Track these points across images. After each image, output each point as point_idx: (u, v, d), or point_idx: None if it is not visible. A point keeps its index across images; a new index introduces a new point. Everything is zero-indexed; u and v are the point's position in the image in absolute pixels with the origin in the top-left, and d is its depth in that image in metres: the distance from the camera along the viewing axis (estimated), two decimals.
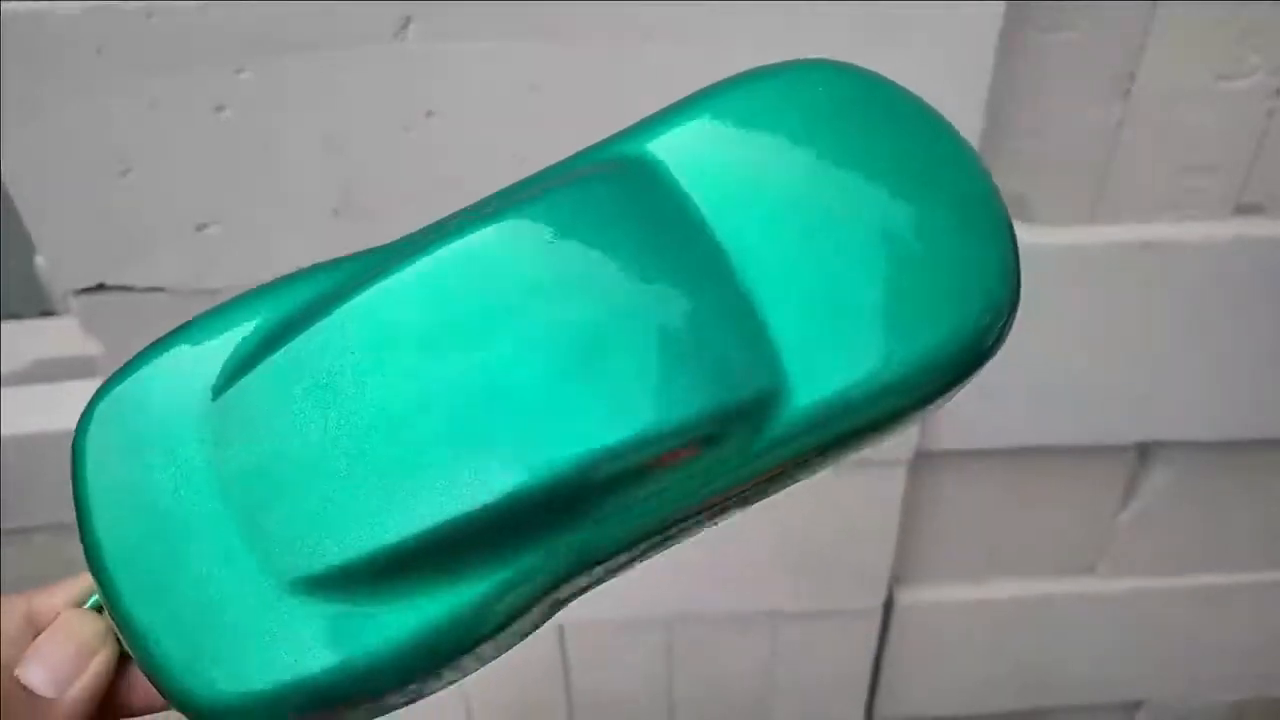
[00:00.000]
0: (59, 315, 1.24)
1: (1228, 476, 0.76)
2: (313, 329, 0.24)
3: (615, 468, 0.23)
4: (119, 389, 0.25)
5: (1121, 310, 0.65)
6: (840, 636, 0.83)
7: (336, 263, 0.26)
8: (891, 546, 0.76)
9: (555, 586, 0.24)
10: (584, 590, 0.25)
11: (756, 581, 0.78)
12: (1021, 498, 0.77)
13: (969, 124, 0.55)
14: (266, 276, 0.57)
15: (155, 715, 0.27)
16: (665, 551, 0.26)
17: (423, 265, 0.24)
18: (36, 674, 0.24)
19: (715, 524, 0.26)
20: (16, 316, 1.25)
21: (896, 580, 0.82)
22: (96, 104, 0.51)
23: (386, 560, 0.23)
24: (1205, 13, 0.54)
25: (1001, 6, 0.51)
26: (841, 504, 0.72)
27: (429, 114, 0.53)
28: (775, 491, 0.26)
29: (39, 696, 0.24)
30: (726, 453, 0.24)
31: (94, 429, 0.25)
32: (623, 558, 0.25)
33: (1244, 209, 0.62)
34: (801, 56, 0.28)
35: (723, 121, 0.26)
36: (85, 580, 0.26)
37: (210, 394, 0.24)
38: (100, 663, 0.25)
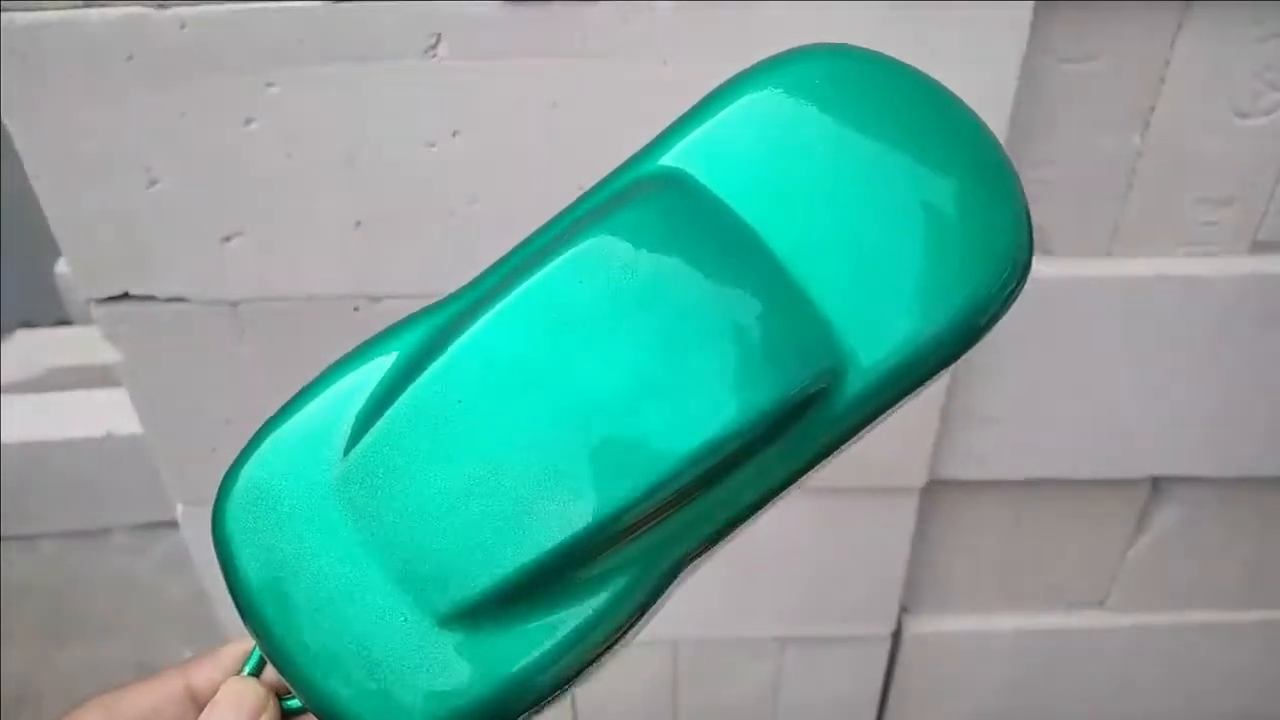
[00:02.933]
0: (75, 324, 1.25)
1: (1240, 513, 0.76)
2: (423, 378, 0.26)
3: (716, 459, 0.25)
4: (252, 463, 0.27)
5: (1136, 344, 0.65)
6: (848, 664, 0.82)
7: (430, 310, 0.28)
8: (901, 575, 0.76)
9: (676, 573, 0.27)
10: (696, 565, 0.27)
11: (764, 606, 0.78)
12: (1032, 530, 0.77)
13: None
14: (290, 289, 0.58)
15: None
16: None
17: (507, 307, 0.26)
18: None
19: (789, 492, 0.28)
20: (33, 325, 1.26)
21: (905, 609, 0.81)
22: (125, 112, 0.51)
23: (528, 579, 0.25)
24: (1225, 47, 0.55)
25: (1024, 35, 0.51)
26: (852, 532, 0.72)
27: (454, 133, 0.53)
28: (835, 457, 0.28)
29: None
30: (805, 431, 0.26)
31: (235, 504, 0.27)
32: (729, 530, 0.27)
33: (1260, 246, 0.62)
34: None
35: (740, 119, 0.28)
36: (236, 648, 0.29)
37: (339, 455, 0.26)
38: None
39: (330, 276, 0.58)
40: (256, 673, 0.28)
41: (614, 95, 0.52)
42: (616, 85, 0.52)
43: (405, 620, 0.25)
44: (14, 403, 1.14)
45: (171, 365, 0.61)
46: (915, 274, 0.26)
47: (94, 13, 0.49)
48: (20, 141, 0.52)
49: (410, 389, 0.26)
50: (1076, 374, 0.66)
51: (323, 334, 0.60)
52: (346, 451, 0.26)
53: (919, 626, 0.82)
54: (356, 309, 0.59)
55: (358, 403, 0.27)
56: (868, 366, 0.26)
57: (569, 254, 0.26)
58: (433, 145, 0.54)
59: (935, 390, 0.64)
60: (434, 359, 0.26)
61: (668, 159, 0.28)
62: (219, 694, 0.27)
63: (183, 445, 0.65)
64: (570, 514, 0.25)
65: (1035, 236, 0.61)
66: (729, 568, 0.74)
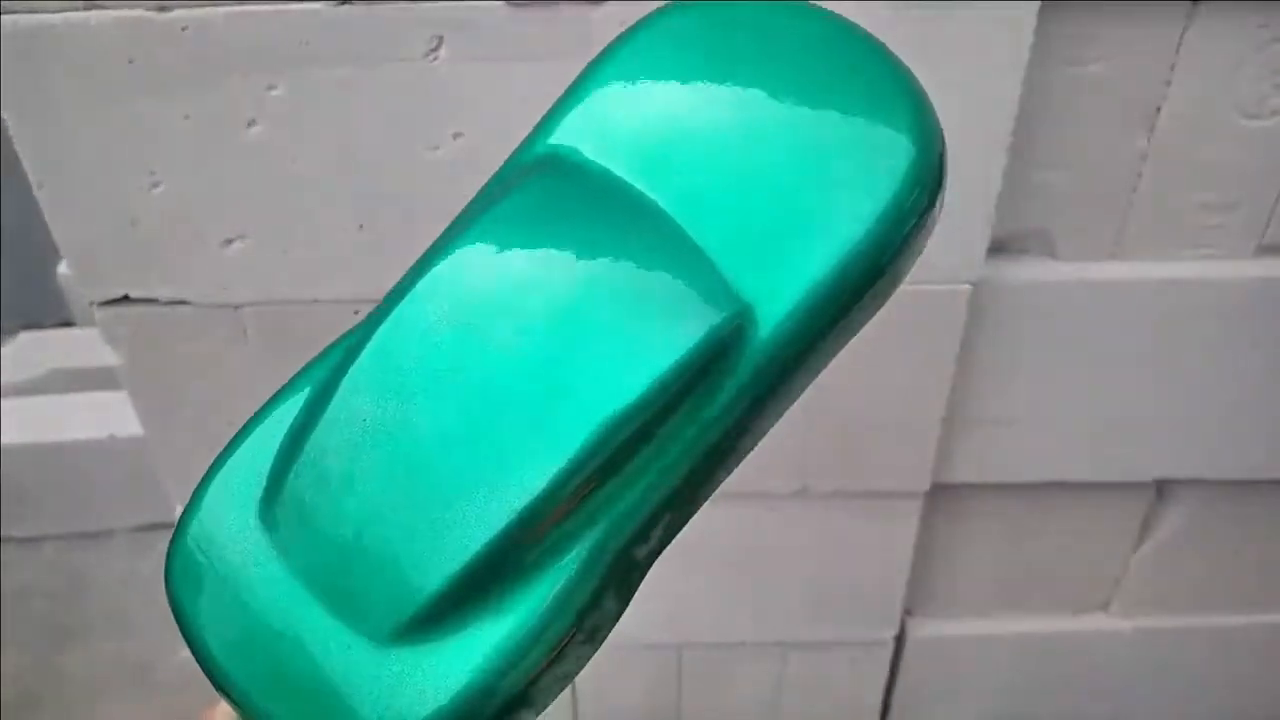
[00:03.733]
0: (77, 326, 1.25)
1: (1245, 516, 0.75)
2: (330, 405, 0.26)
3: (629, 426, 0.24)
4: (193, 524, 0.27)
5: (1141, 347, 0.65)
6: (851, 668, 0.82)
7: (346, 335, 0.28)
8: (904, 579, 0.75)
9: (622, 560, 0.26)
10: (652, 556, 0.27)
11: (767, 610, 0.77)
12: (1036, 533, 0.77)
13: (993, 156, 0.55)
14: (291, 292, 0.58)
15: None
16: (681, 567, 0.27)
17: (396, 316, 0.26)
18: None
19: (757, 440, 0.27)
20: (35, 326, 1.26)
21: (909, 613, 0.81)
22: (128, 115, 0.51)
23: (466, 582, 0.24)
24: (1231, 49, 0.55)
25: (1028, 38, 0.51)
26: (856, 536, 0.72)
27: (457, 135, 0.53)
28: (776, 418, 0.27)
29: None
30: (723, 388, 0.25)
31: (181, 566, 0.27)
32: (675, 509, 0.26)
33: (1266, 249, 0.62)
34: None
35: (611, 88, 0.27)
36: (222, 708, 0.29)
37: (259, 505, 0.26)
38: None
39: (332, 280, 0.58)
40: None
41: None
42: None
43: (349, 648, 0.25)
44: (16, 404, 1.14)
45: (172, 368, 0.61)
46: (807, 209, 0.25)
47: (95, 16, 0.49)
48: (21, 144, 0.52)
49: (319, 418, 0.26)
50: (1081, 377, 0.66)
51: (324, 338, 0.59)
52: (270, 491, 0.26)
53: (922, 630, 0.82)
54: (357, 312, 0.59)
55: (276, 442, 0.26)
56: (774, 309, 0.25)
57: (453, 251, 0.26)
58: (435, 148, 0.53)
59: (937, 395, 0.63)
60: (338, 382, 0.26)
61: (551, 138, 0.28)
62: None
63: (183, 448, 0.64)
64: (490, 512, 0.24)
65: (1041, 239, 0.62)
66: (732, 573, 0.74)
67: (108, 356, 0.62)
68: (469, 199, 0.56)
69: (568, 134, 0.27)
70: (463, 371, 0.25)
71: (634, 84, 0.27)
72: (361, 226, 0.56)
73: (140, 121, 0.51)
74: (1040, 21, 0.51)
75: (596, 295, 0.25)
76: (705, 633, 0.78)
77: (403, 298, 0.26)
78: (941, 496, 0.72)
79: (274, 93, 0.51)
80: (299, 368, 0.28)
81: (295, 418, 0.26)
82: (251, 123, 0.52)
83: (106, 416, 1.10)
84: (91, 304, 0.58)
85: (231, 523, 0.26)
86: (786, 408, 0.27)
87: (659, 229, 0.26)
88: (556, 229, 0.26)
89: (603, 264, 0.25)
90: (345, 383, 0.25)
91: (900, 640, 0.81)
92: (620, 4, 0.50)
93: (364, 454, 0.25)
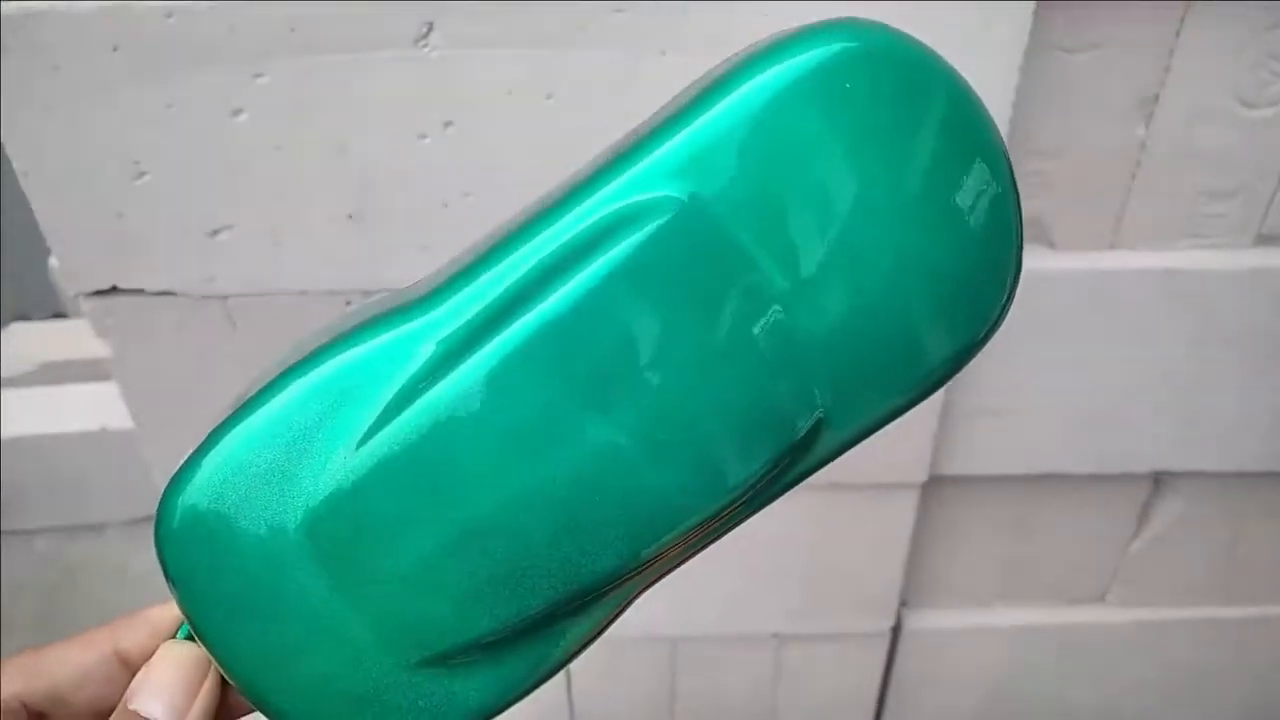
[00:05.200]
0: (70, 318, 1.24)
1: (1242, 508, 0.75)
2: (404, 424, 0.24)
3: (693, 528, 0.25)
4: (200, 497, 0.25)
5: (1139, 338, 0.65)
6: (847, 660, 0.82)
7: (398, 315, 0.25)
8: (901, 570, 0.75)
9: (620, 611, 0.27)
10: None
11: (762, 602, 0.77)
12: (1033, 525, 0.76)
13: None
14: (280, 283, 0.57)
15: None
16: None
17: (507, 350, 0.24)
18: (154, 706, 0.26)
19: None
20: (27, 318, 1.25)
21: (905, 604, 0.81)
22: (112, 104, 0.51)
23: (510, 633, 0.25)
24: (1230, 36, 0.54)
25: (1026, 24, 0.51)
26: (852, 527, 0.72)
27: (446, 124, 0.52)
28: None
29: None
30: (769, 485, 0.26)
31: (181, 540, 0.25)
32: (686, 560, 0.27)
33: (1265, 239, 0.62)
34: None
35: (742, 120, 0.25)
36: (164, 610, 0.28)
37: (308, 494, 0.24)
38: (208, 690, 0.26)
39: (322, 271, 0.57)
40: (192, 637, 0.26)
41: (610, 86, 0.52)
42: (612, 76, 0.51)
43: (375, 664, 0.25)
44: (8, 397, 1.13)
45: (162, 360, 0.61)
46: (900, 330, 0.25)
47: (78, 4, 0.48)
48: (6, 134, 0.51)
49: (394, 426, 0.24)
50: (1078, 368, 0.65)
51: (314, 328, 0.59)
52: (321, 481, 0.24)
53: (919, 622, 0.81)
54: (348, 303, 0.58)
55: (332, 423, 0.24)
56: (841, 425, 0.26)
57: (570, 297, 0.24)
58: (425, 137, 0.53)
59: None
60: (421, 397, 0.24)
61: (665, 173, 0.25)
62: (156, 656, 0.26)
63: (174, 440, 0.64)
64: (553, 581, 0.25)
65: (1038, 229, 0.61)
66: (728, 564, 0.74)
67: (100, 348, 0.62)
68: (461, 189, 0.55)
69: (695, 174, 0.24)
70: (554, 431, 0.24)
71: (779, 133, 0.24)
72: (350, 216, 0.55)
73: (125, 111, 0.51)
74: (1037, 9, 0.51)
75: (698, 386, 0.25)
76: (700, 625, 0.78)
77: (516, 331, 0.24)
78: (938, 488, 0.72)
79: (261, 81, 0.50)
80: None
81: (341, 411, 0.24)
82: (238, 111, 0.51)
83: (99, 409, 1.10)
84: (78, 295, 0.58)
85: (261, 503, 0.24)
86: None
87: (763, 314, 0.25)
88: (672, 297, 0.24)
89: (709, 351, 0.25)
90: (429, 403, 0.24)
91: (896, 631, 0.81)
92: None
93: (442, 481, 0.24)
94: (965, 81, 0.26)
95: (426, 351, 0.24)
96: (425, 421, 0.24)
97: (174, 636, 0.27)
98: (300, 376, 0.25)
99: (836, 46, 0.25)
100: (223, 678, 0.26)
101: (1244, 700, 0.89)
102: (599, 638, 0.27)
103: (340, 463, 0.24)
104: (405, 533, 0.24)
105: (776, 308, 0.25)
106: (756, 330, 0.25)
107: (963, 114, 0.26)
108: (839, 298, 0.25)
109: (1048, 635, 0.82)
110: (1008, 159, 0.26)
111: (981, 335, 0.26)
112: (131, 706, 0.26)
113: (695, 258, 0.24)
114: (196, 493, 0.25)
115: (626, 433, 0.24)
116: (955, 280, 0.25)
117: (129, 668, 0.27)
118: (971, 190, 0.25)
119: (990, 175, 0.25)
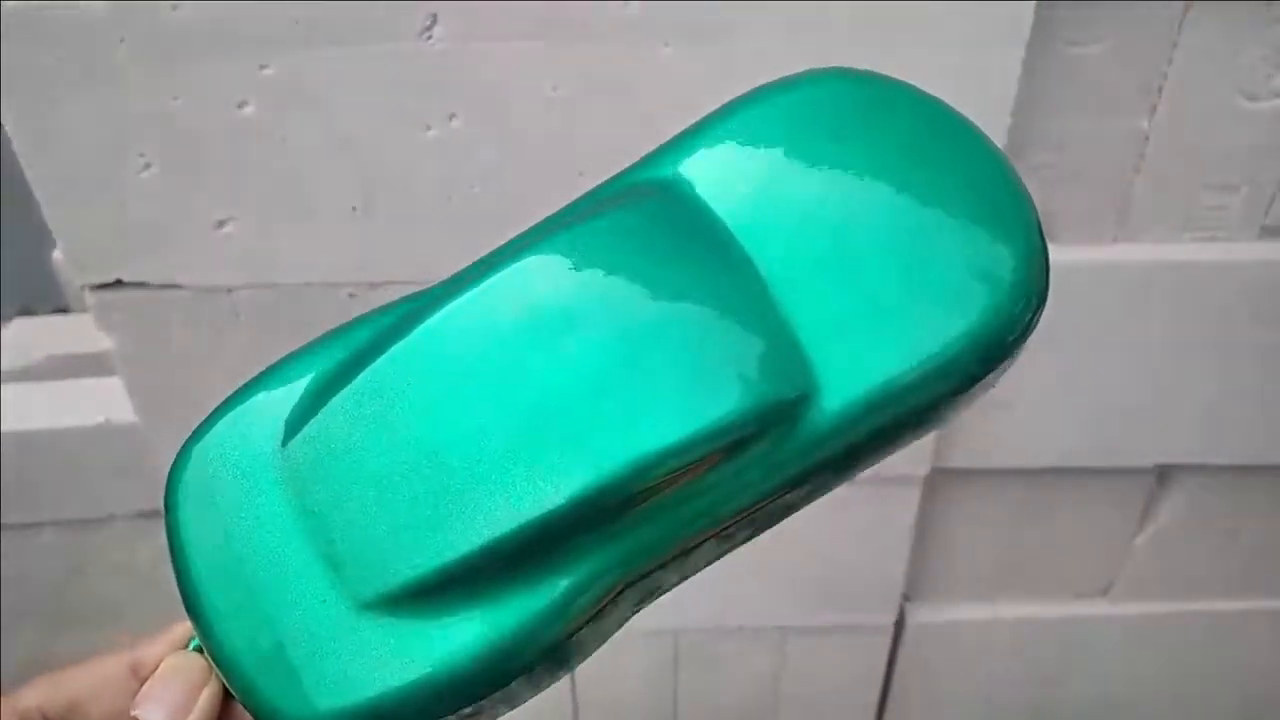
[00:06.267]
0: (73, 312, 1.25)
1: (1246, 501, 0.75)
2: (370, 369, 0.26)
3: (664, 469, 0.24)
4: (201, 444, 0.27)
5: (1143, 331, 0.64)
6: (850, 653, 0.82)
7: (389, 307, 0.28)
8: (904, 564, 0.75)
9: (610, 594, 0.25)
10: (641, 602, 0.27)
11: (766, 596, 0.77)
12: (1036, 518, 0.76)
13: (993, 138, 0.54)
14: (284, 275, 0.57)
15: None
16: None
17: (470, 296, 0.26)
18: (153, 713, 0.27)
19: (753, 535, 0.28)
20: (31, 312, 1.26)
21: (908, 598, 0.81)
22: (117, 96, 0.51)
23: (455, 573, 0.24)
24: (1233, 29, 0.54)
25: (1029, 19, 0.51)
26: (855, 520, 0.72)
27: (451, 116, 0.53)
28: (808, 501, 0.27)
29: None
30: (762, 455, 0.25)
31: (183, 484, 0.27)
32: (672, 569, 0.27)
33: (1269, 231, 0.62)
34: (817, 66, 0.29)
35: (743, 138, 0.27)
36: (182, 627, 0.29)
37: (283, 437, 0.26)
38: (207, 697, 0.27)
39: (326, 263, 0.57)
40: (201, 649, 0.27)
41: (614, 78, 0.52)
42: (616, 68, 0.51)
43: (324, 602, 0.25)
44: (12, 391, 1.14)
45: (166, 352, 0.61)
46: (903, 308, 0.25)
47: None
48: (11, 126, 0.52)
49: (365, 370, 0.25)
50: (1080, 361, 0.65)
51: (318, 321, 0.59)
52: (295, 427, 0.26)
53: (921, 615, 0.81)
54: (353, 295, 0.59)
55: (309, 390, 0.26)
56: (835, 400, 0.25)
57: (542, 249, 0.26)
58: (429, 129, 0.53)
59: None
60: (393, 342, 0.26)
61: (671, 166, 0.27)
62: (161, 667, 0.27)
63: (178, 432, 0.64)
64: (504, 511, 0.24)
65: (1042, 222, 0.61)
66: (730, 557, 0.74)
67: (103, 342, 0.62)
68: (465, 181, 0.56)
69: (688, 165, 0.27)
70: (516, 370, 0.25)
71: (766, 140, 0.27)
72: (355, 209, 0.55)
73: (130, 102, 0.51)
74: (1040, 3, 0.51)
75: (671, 329, 0.25)
76: (703, 618, 0.78)
77: (474, 283, 0.26)
78: (940, 481, 0.72)
79: (266, 72, 0.50)
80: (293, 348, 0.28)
81: (334, 366, 0.26)
82: (243, 103, 0.51)
83: (104, 402, 1.10)
84: (83, 288, 0.58)
85: (249, 444, 0.26)
86: (827, 491, 0.27)
87: (749, 287, 0.25)
88: (648, 254, 0.26)
89: (685, 303, 0.25)
90: (397, 348, 0.25)
91: (899, 625, 0.81)
92: None
93: (402, 417, 0.25)
94: (951, 108, 0.28)
95: (397, 311, 0.27)
96: (393, 357, 0.25)
97: (185, 648, 0.28)
98: (289, 357, 0.27)
99: (819, 75, 0.28)
100: (224, 687, 0.27)
101: (1248, 693, 0.89)
102: (606, 640, 0.27)
103: (312, 404, 0.26)
104: (360, 460, 0.25)
105: (759, 289, 0.25)
106: (732, 297, 0.25)
107: (966, 144, 0.27)
108: (828, 286, 0.25)
109: (1051, 629, 0.82)
110: (1007, 170, 0.27)
111: (990, 342, 0.25)
112: (134, 713, 0.27)
113: (674, 226, 0.26)
114: (196, 448, 0.27)
115: (582, 365, 0.25)
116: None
117: (141, 678, 0.28)
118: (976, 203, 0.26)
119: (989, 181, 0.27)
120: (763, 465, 0.25)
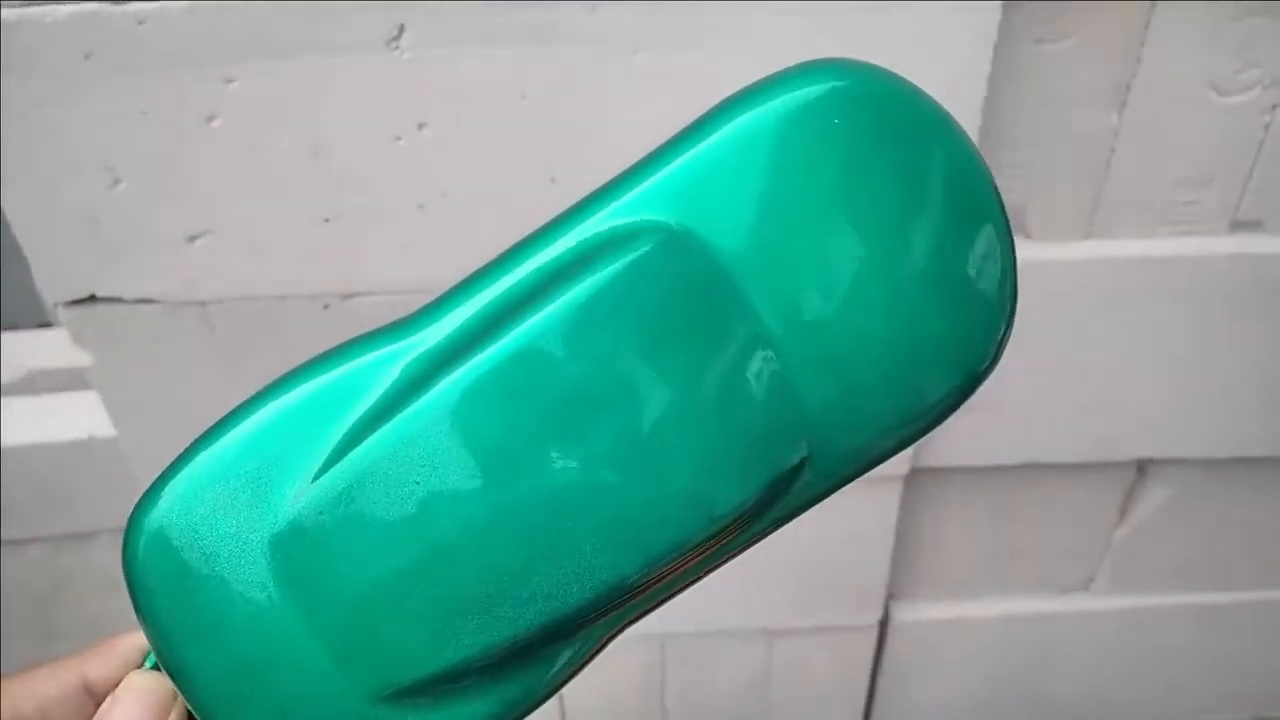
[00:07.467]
0: (57, 327, 1.24)
1: (1226, 494, 0.75)
2: (375, 445, 0.24)
3: (682, 556, 0.25)
4: (168, 514, 0.24)
5: (1118, 327, 0.65)
6: (836, 653, 0.82)
7: (384, 336, 0.25)
8: (887, 563, 0.75)
9: (604, 644, 0.26)
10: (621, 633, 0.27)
11: (751, 597, 0.77)
12: (1018, 514, 0.76)
13: None
14: (259, 288, 0.57)
15: None
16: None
17: (477, 377, 0.24)
18: None
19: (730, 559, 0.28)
20: (14, 327, 1.25)
21: (892, 597, 0.81)
22: (85, 111, 0.51)
23: (475, 665, 0.24)
24: (1203, 23, 0.54)
25: (996, 16, 0.51)
26: (837, 520, 0.72)
27: (421, 125, 0.53)
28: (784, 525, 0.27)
29: None
30: (760, 516, 0.26)
31: (147, 556, 0.24)
32: (668, 600, 0.27)
33: (1241, 225, 0.62)
34: (798, 61, 0.26)
35: (734, 156, 0.25)
36: (132, 640, 0.28)
37: (277, 510, 0.24)
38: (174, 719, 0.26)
39: (300, 274, 0.57)
40: (158, 667, 0.26)
41: (583, 85, 0.52)
42: (586, 75, 0.51)
43: (339, 696, 0.24)
44: None
45: (142, 367, 0.61)
46: (896, 361, 0.25)
47: (49, 10, 0.48)
48: None
49: (360, 450, 0.24)
50: (1057, 358, 0.66)
51: (294, 332, 0.59)
52: (286, 506, 0.24)
53: (906, 614, 0.82)
54: (327, 306, 0.58)
55: (299, 447, 0.24)
56: (833, 455, 0.25)
57: (546, 320, 0.24)
58: (399, 138, 0.53)
59: None
60: (389, 421, 0.24)
61: (654, 202, 0.25)
62: (121, 687, 0.26)
63: (157, 447, 0.64)
64: (527, 609, 0.24)
65: (1013, 219, 0.61)
66: None
67: (84, 357, 0.62)
68: (437, 190, 0.55)
69: (684, 198, 0.25)
70: (526, 461, 0.24)
71: (765, 166, 0.24)
72: (327, 220, 0.55)
73: (98, 117, 0.51)
74: (1007, 2, 0.51)
75: (686, 411, 0.24)
76: (688, 622, 0.78)
77: (489, 355, 0.24)
78: (921, 480, 0.72)
79: (233, 85, 0.50)
80: (268, 365, 0.26)
81: (318, 437, 0.24)
82: (212, 117, 0.51)
83: (87, 417, 1.09)
84: (56, 304, 0.58)
85: (230, 517, 0.24)
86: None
87: (753, 346, 0.24)
88: (653, 326, 0.24)
89: (697, 382, 0.24)
90: (403, 425, 0.24)
91: (884, 624, 0.81)
92: None
93: (411, 507, 0.24)
94: (954, 119, 0.26)
95: (393, 374, 0.24)
96: (391, 445, 0.24)
97: (141, 666, 0.27)
98: (267, 402, 0.25)
99: (828, 84, 0.25)
100: (189, 711, 0.26)
101: (1231, 686, 0.89)
102: (582, 670, 0.27)
103: (305, 485, 0.24)
104: (370, 556, 0.24)
105: (765, 350, 0.24)
106: (742, 366, 0.24)
107: (953, 154, 0.25)
108: (828, 337, 0.25)
109: (1035, 624, 0.83)
110: (998, 200, 0.26)
111: (979, 372, 0.26)
112: None
113: (681, 286, 0.24)
114: (162, 517, 0.24)
115: (601, 463, 0.24)
116: (947, 324, 0.25)
117: (95, 698, 0.27)
118: (963, 235, 0.25)
119: (980, 209, 0.25)
120: (760, 522, 0.26)
